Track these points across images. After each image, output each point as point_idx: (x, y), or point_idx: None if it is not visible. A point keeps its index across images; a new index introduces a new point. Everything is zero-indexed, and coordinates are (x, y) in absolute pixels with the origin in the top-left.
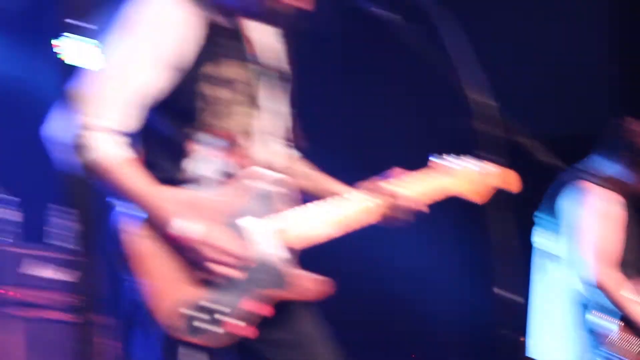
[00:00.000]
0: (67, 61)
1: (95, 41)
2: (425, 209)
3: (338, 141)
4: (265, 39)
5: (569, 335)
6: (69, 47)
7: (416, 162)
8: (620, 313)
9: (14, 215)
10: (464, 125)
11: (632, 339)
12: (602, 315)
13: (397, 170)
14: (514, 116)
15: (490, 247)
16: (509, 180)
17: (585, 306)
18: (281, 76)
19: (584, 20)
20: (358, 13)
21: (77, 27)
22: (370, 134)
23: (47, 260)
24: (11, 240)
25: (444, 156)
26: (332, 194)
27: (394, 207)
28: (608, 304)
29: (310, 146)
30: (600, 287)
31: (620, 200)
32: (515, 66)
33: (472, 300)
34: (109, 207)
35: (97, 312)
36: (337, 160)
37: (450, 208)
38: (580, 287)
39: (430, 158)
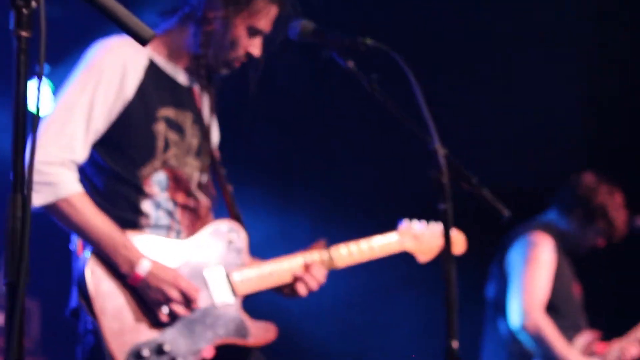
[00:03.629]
0: (31, 105)
1: (50, 83)
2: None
3: (308, 199)
4: (205, 90)
5: None
6: (32, 91)
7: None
8: (543, 355)
9: None
10: (425, 176)
11: None
12: None
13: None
14: (472, 168)
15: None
16: (457, 242)
17: (523, 356)
18: (207, 129)
19: (555, 71)
20: (321, 64)
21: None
22: (334, 185)
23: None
24: None
25: (410, 221)
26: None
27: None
28: (538, 350)
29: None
30: (530, 330)
31: (565, 253)
32: (482, 116)
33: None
34: (71, 250)
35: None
36: (307, 220)
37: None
38: (517, 335)
39: (400, 222)
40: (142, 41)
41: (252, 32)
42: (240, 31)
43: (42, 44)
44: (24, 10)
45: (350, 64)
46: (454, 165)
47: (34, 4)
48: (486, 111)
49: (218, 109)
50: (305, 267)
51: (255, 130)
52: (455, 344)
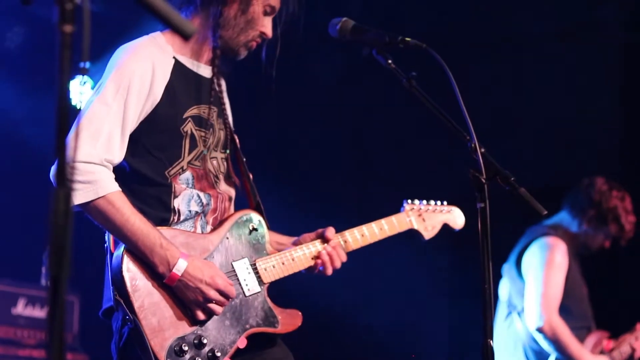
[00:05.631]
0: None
1: (91, 80)
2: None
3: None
4: (224, 80)
5: None
6: (74, 89)
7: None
8: (559, 355)
9: None
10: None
11: None
12: None
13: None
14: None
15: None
16: (457, 217)
17: (540, 354)
18: (229, 119)
19: (589, 70)
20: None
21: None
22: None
23: (42, 301)
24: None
25: (412, 201)
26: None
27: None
28: (554, 351)
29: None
30: (546, 332)
31: (574, 255)
32: (515, 115)
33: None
34: (106, 248)
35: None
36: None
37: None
38: (534, 335)
39: (403, 202)
40: (186, 36)
41: (267, 11)
42: (258, 9)
43: (85, 39)
44: (68, 5)
45: (390, 61)
46: (492, 164)
47: None
48: (519, 109)
49: (231, 96)
50: (329, 248)
51: (276, 117)
52: (491, 343)
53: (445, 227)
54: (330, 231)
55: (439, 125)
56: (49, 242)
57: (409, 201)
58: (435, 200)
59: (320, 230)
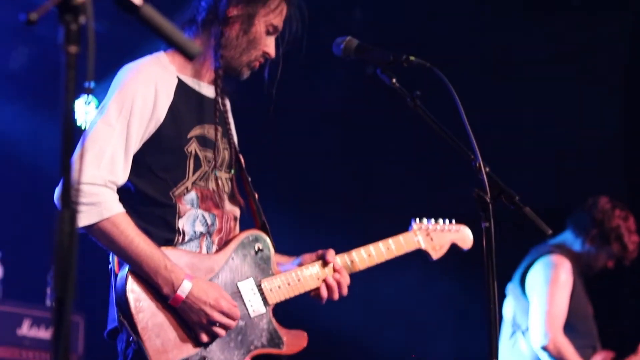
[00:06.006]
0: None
1: (95, 100)
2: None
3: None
4: (227, 100)
5: None
6: (79, 108)
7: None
8: None
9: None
10: (465, 193)
11: None
12: None
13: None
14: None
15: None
16: (466, 237)
17: None
18: (234, 139)
19: (594, 90)
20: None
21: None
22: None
23: (47, 322)
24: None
25: (420, 220)
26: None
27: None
28: None
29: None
30: (551, 351)
31: (579, 274)
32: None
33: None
34: (111, 269)
35: None
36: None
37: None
38: (539, 354)
39: (412, 222)
40: (190, 56)
41: (269, 30)
42: (260, 29)
43: (90, 59)
44: (73, 26)
45: (395, 80)
46: (496, 183)
47: (82, 19)
48: (524, 129)
49: (235, 116)
50: (334, 272)
51: (281, 136)
52: None
53: (454, 247)
54: (330, 254)
55: (443, 144)
56: (54, 263)
57: (417, 220)
58: (444, 219)
59: (320, 251)
